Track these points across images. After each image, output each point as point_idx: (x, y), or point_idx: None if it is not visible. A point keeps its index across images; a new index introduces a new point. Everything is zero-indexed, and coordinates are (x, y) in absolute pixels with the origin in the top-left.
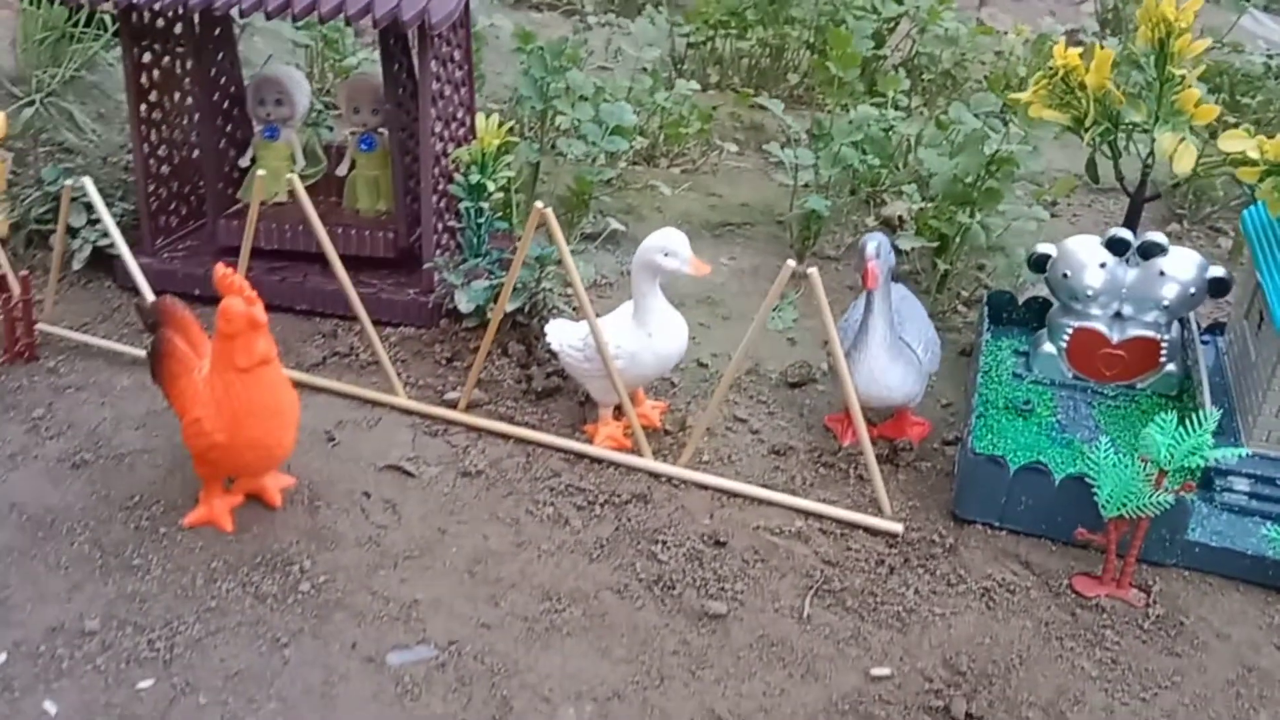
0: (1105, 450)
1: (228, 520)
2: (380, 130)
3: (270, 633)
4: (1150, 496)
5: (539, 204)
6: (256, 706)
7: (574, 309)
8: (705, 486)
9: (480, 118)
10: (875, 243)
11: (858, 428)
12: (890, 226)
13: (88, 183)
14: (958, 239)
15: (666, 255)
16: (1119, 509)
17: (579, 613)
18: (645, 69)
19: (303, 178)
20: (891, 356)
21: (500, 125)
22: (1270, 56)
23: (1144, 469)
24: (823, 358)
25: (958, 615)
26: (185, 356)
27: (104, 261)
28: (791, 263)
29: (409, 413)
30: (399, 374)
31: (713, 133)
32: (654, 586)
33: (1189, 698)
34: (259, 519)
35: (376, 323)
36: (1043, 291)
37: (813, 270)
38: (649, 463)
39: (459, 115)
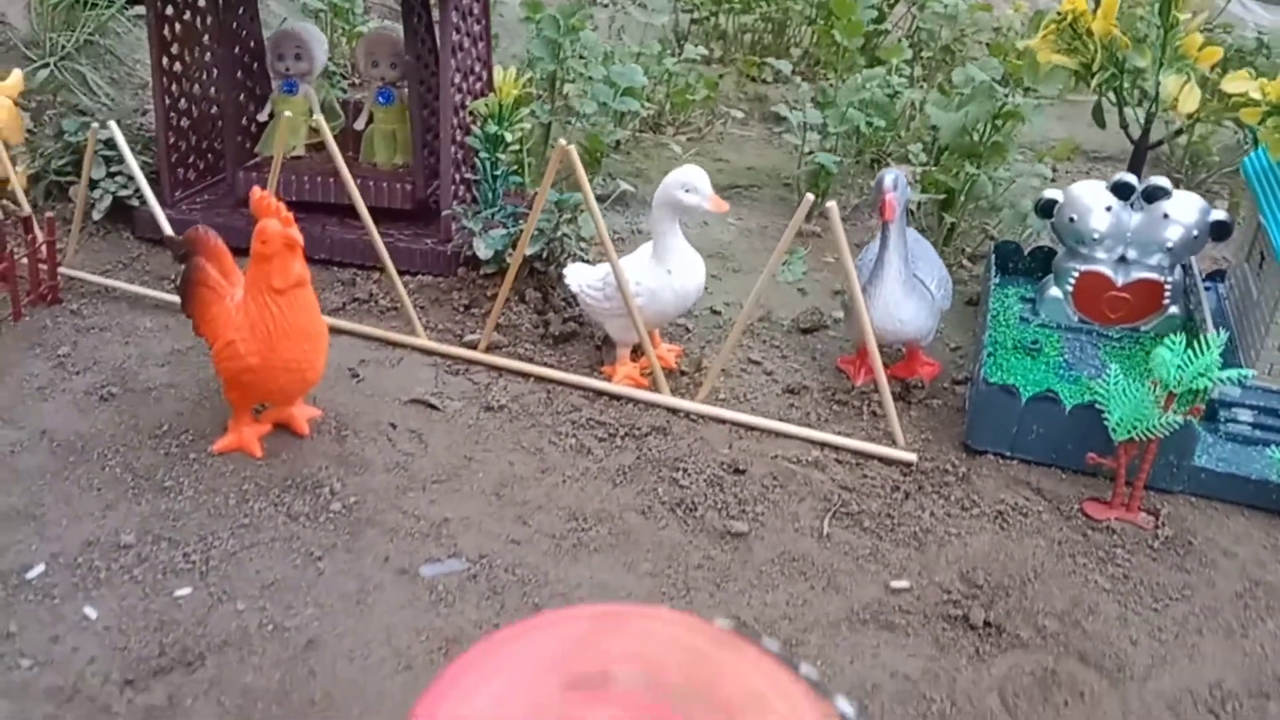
0: (1115, 376)
1: (257, 446)
2: (398, 84)
3: (304, 547)
4: (1159, 419)
5: (562, 141)
6: (294, 612)
7: (589, 259)
8: (723, 420)
9: (498, 69)
10: (893, 176)
11: (873, 358)
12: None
13: (114, 127)
14: (964, 193)
15: (687, 191)
16: (1129, 432)
17: (605, 531)
18: (654, 40)
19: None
20: (906, 291)
21: (517, 78)
22: (1262, 34)
23: (1153, 392)
24: (833, 306)
25: (972, 535)
26: (218, 284)
27: (123, 213)
28: (811, 196)
29: (430, 353)
30: (418, 320)
31: (718, 101)
32: (676, 508)
33: (1199, 608)
34: (287, 446)
35: (398, 271)
36: (1047, 242)
37: (831, 204)
38: (667, 399)
39: (476, 69)
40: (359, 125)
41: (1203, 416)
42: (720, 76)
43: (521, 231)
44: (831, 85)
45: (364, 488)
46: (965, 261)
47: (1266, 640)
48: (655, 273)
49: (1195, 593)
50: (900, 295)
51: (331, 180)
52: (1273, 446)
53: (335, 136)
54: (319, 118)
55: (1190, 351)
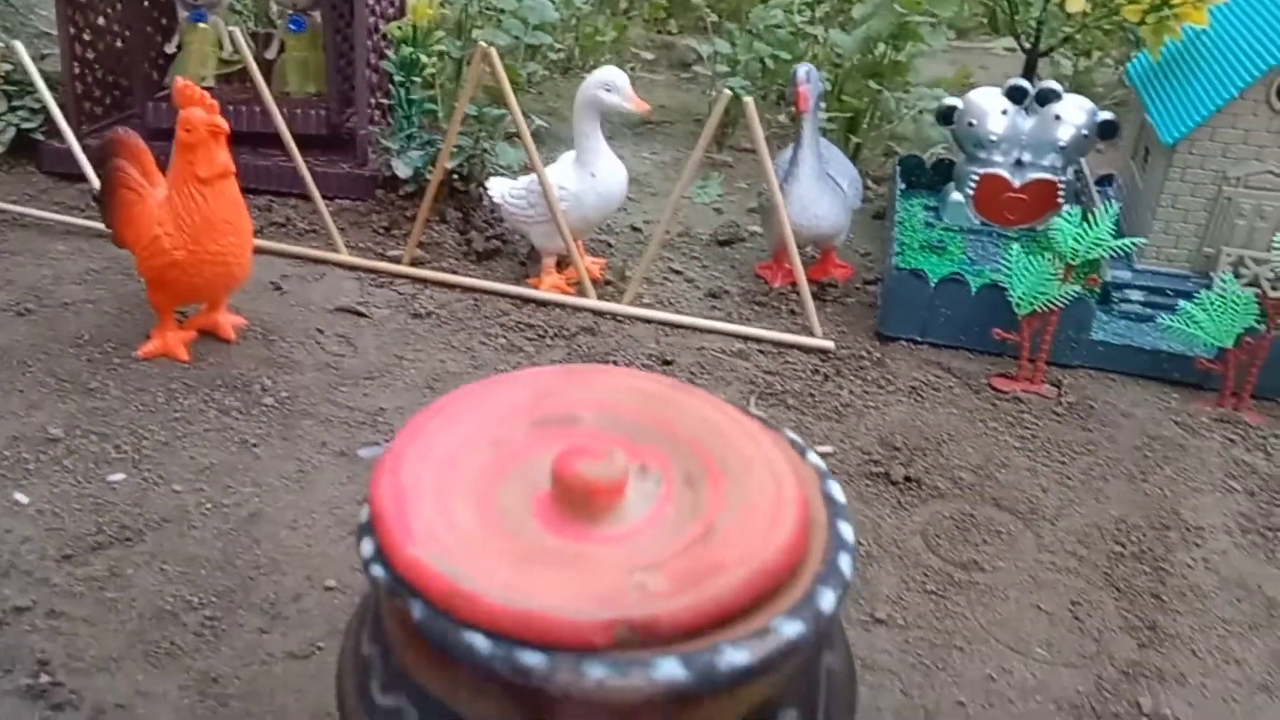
0: (1017, 253)
1: (183, 350)
2: (309, 12)
3: (238, 436)
4: (1059, 290)
5: (482, 43)
6: (233, 491)
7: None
8: (649, 320)
9: None
10: (805, 69)
11: (789, 250)
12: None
13: (18, 47)
14: (868, 114)
15: (608, 90)
16: (1031, 305)
17: None
18: None
19: (232, 62)
20: (820, 188)
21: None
22: None
23: (1053, 265)
24: (749, 221)
25: (889, 408)
26: (139, 184)
27: (27, 147)
28: (728, 90)
29: (353, 268)
30: (340, 237)
31: (627, 46)
32: None
33: (1102, 460)
34: (214, 351)
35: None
36: (948, 155)
37: (748, 99)
38: (594, 302)
39: None
40: (270, 55)
41: (1098, 299)
42: (629, 19)
43: (440, 151)
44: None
45: (296, 385)
46: (870, 183)
47: (1164, 483)
48: (579, 176)
49: (1098, 447)
50: (815, 192)
51: (244, 109)
52: (1162, 314)
53: (244, 70)
54: (240, 41)
55: (1085, 224)
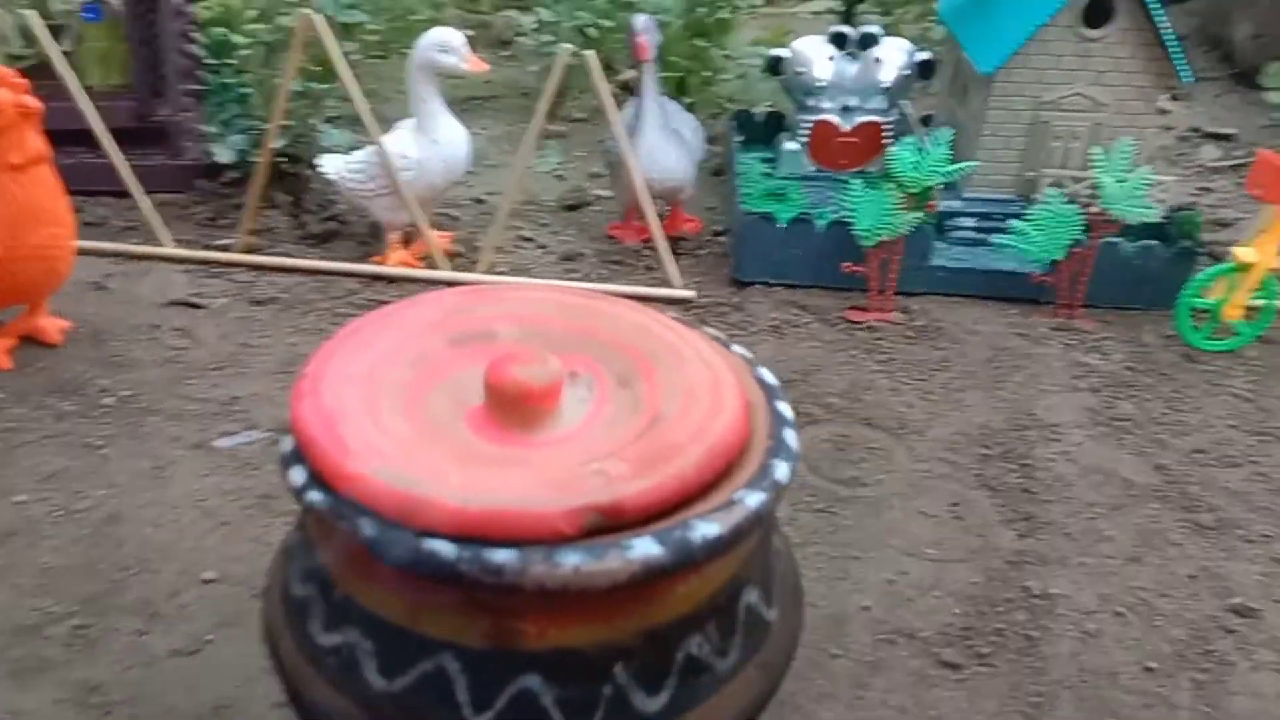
0: (858, 189)
1: (5, 358)
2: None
3: (81, 440)
4: (902, 219)
5: (305, 12)
6: (84, 496)
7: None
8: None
9: None
10: (643, 19)
11: (642, 199)
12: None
13: None
14: (696, 74)
15: (443, 52)
16: (876, 237)
17: None
18: None
19: (21, 59)
20: (666, 138)
21: None
22: None
23: (893, 197)
24: (593, 185)
25: (755, 347)
26: None
27: None
28: (569, 46)
29: (181, 261)
30: (164, 230)
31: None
32: None
33: (957, 374)
34: (41, 356)
35: (123, 193)
36: (778, 108)
37: (590, 52)
38: (448, 274)
39: None
40: (66, 47)
41: (935, 227)
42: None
43: (262, 133)
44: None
45: (137, 382)
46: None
47: (1016, 389)
48: (421, 143)
49: (951, 363)
50: (662, 142)
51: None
52: (994, 237)
53: (39, 64)
54: (39, 29)
55: (922, 153)
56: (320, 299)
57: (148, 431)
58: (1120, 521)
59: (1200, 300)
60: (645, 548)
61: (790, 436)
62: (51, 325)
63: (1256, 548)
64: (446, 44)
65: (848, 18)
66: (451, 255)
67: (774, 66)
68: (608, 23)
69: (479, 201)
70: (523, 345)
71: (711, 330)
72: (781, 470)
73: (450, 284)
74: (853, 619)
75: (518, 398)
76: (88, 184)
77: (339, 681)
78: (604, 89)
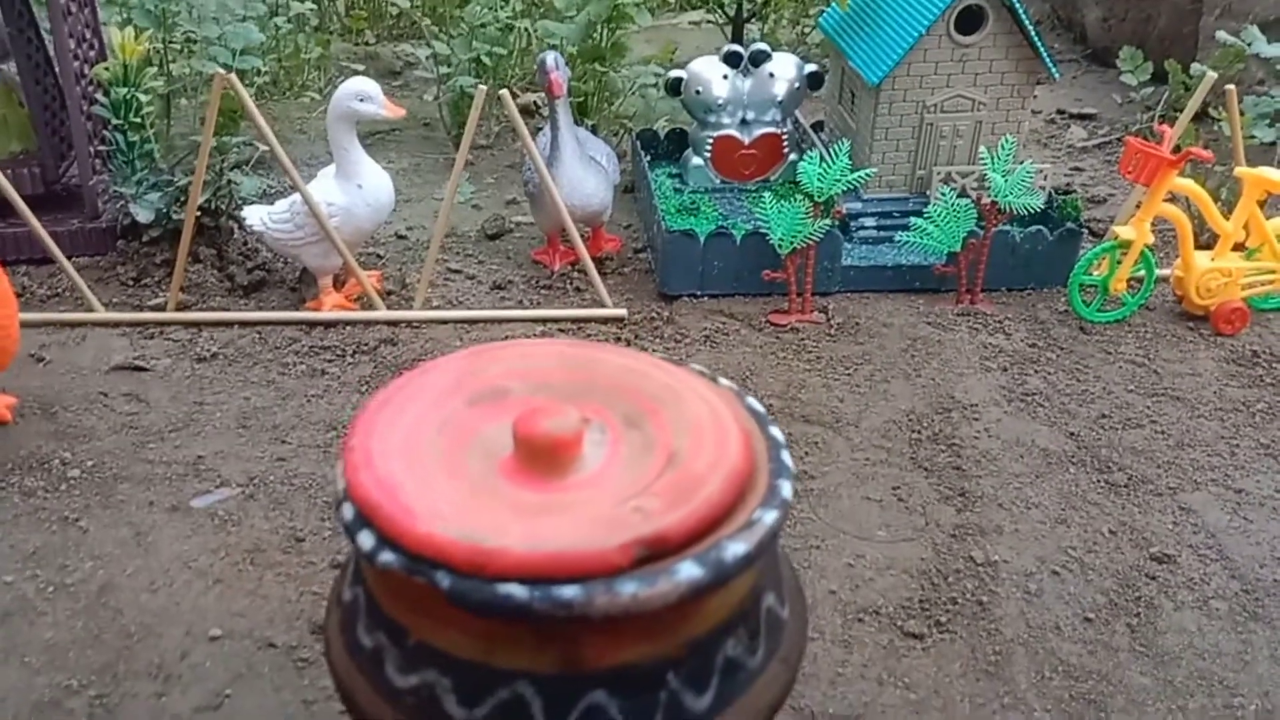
0: (770, 201)
1: None
2: None
3: (55, 515)
4: (813, 226)
5: (219, 70)
6: (71, 569)
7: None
8: (444, 321)
9: (114, 30)
10: (552, 57)
11: (568, 227)
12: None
13: None
14: (596, 95)
15: (362, 101)
16: (791, 244)
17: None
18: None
19: None
20: (584, 166)
21: (137, 35)
22: None
23: (803, 206)
24: (510, 213)
25: (691, 358)
26: None
27: None
28: (483, 88)
29: (115, 325)
30: (92, 294)
31: (332, 60)
32: None
33: (879, 366)
34: None
35: (43, 260)
36: (679, 125)
37: (504, 92)
38: (386, 313)
39: (87, 35)
40: None
41: (841, 229)
42: (330, 35)
43: (179, 188)
44: (443, 33)
45: (98, 451)
46: None
47: (934, 375)
48: (345, 189)
49: (872, 356)
50: (580, 170)
51: None
52: (896, 234)
53: None
54: None
55: (824, 164)
56: (263, 350)
57: (121, 499)
58: (1044, 488)
59: (1088, 277)
60: (689, 571)
61: (786, 457)
62: (0, 403)
63: (1165, 500)
64: (364, 93)
65: (737, 36)
66: (384, 294)
67: (675, 87)
68: (501, 50)
69: (400, 237)
70: (533, 400)
71: (697, 366)
72: (786, 489)
73: (389, 323)
74: (822, 603)
75: (547, 447)
76: (2, 254)
77: (421, 716)
78: (520, 125)
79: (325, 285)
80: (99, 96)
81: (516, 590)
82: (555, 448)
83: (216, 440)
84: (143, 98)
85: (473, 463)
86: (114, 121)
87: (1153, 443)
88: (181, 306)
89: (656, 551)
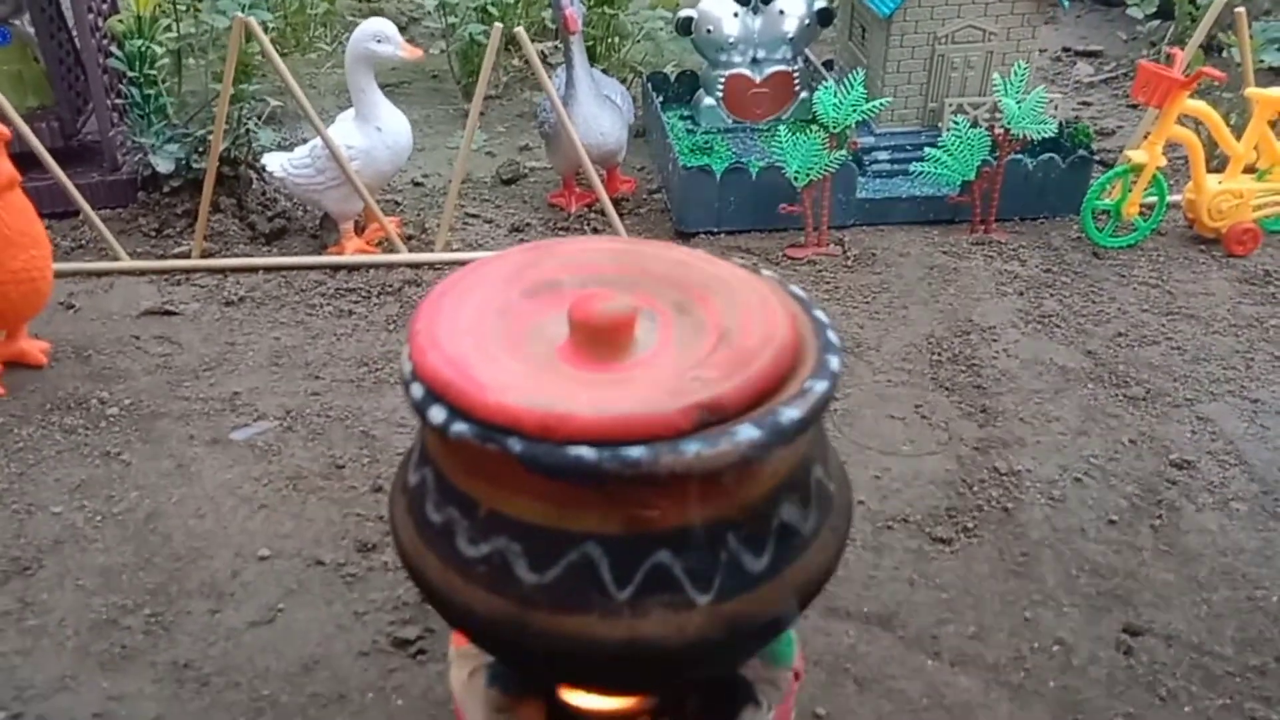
0: (785, 134)
1: None
2: (11, 21)
3: (97, 450)
4: (828, 158)
5: (238, 15)
6: (117, 499)
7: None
8: (466, 262)
9: None
10: None
11: (586, 166)
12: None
13: None
14: (607, 38)
15: (380, 41)
16: (807, 177)
17: (398, 366)
18: None
19: None
20: (599, 105)
21: None
22: None
23: (819, 137)
24: (524, 159)
25: None
26: None
27: None
28: (499, 25)
29: (142, 273)
30: (118, 244)
31: (339, 16)
32: None
33: (897, 293)
34: (29, 379)
35: (65, 214)
36: (688, 67)
37: (519, 29)
38: (408, 255)
39: None
40: None
41: (855, 162)
42: None
43: (198, 139)
44: None
45: (134, 390)
46: None
47: (951, 300)
48: (365, 132)
49: (890, 284)
50: (595, 108)
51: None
52: (912, 164)
53: None
54: None
55: (840, 94)
56: (289, 294)
57: (160, 434)
58: (1063, 403)
59: (1101, 202)
60: (748, 432)
61: (832, 335)
62: (34, 347)
63: (1183, 410)
64: (381, 33)
65: None
66: (404, 238)
67: (685, 27)
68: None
69: (417, 184)
70: (585, 290)
71: (739, 259)
72: (835, 362)
73: (412, 265)
74: (853, 513)
75: (603, 329)
76: None
77: (492, 584)
78: (537, 62)
79: (347, 230)
80: (113, 49)
81: (586, 452)
82: (611, 329)
83: (250, 377)
84: (158, 50)
85: (532, 346)
86: (129, 74)
87: (1169, 358)
88: (206, 254)
89: (715, 416)
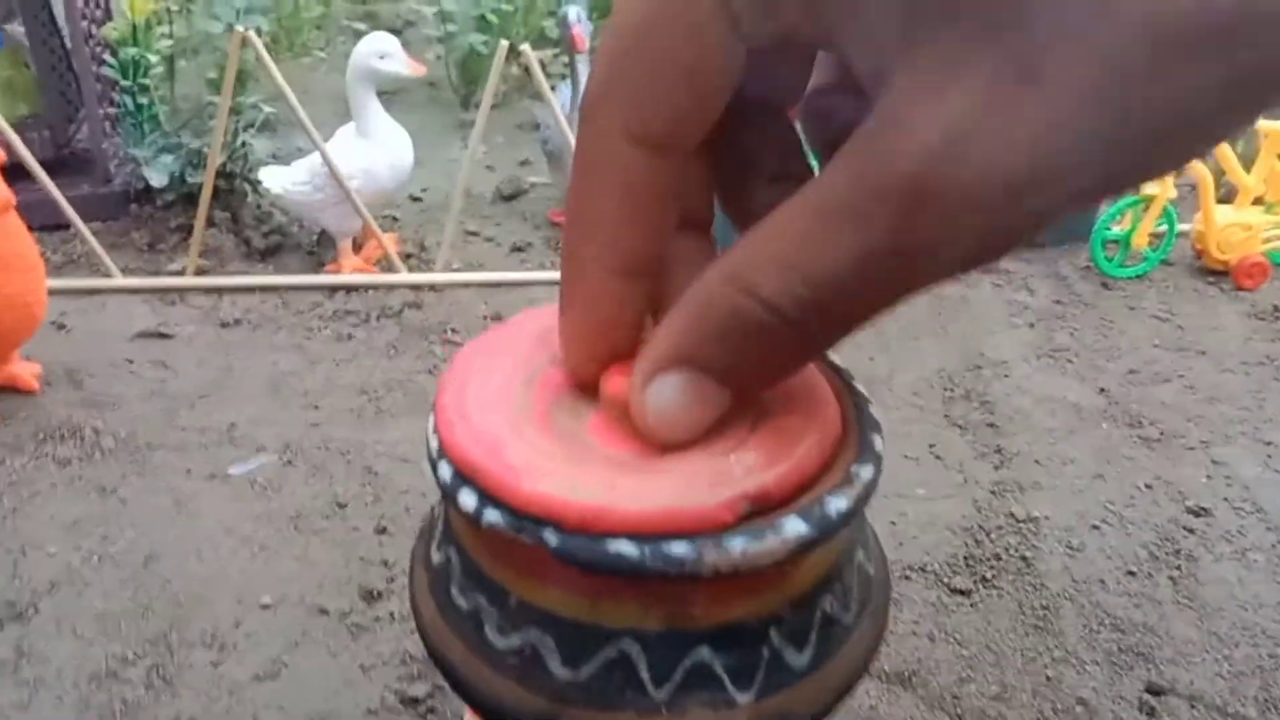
0: None
1: None
2: (2, 26)
3: (92, 484)
4: None
5: (238, 27)
6: (112, 541)
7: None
8: (468, 284)
9: None
10: (575, 9)
11: None
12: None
13: None
14: None
15: (383, 58)
16: None
17: (400, 395)
18: None
19: None
20: None
21: None
22: None
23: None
24: (524, 173)
25: None
26: None
27: None
28: (505, 41)
29: (134, 291)
30: (110, 260)
31: (334, 19)
32: None
33: (905, 324)
34: (20, 406)
35: (56, 226)
36: None
37: (524, 46)
38: (408, 276)
39: None
40: None
41: None
42: None
43: (193, 151)
44: None
45: (129, 419)
46: None
47: (964, 331)
48: (365, 150)
49: (899, 314)
50: None
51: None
52: None
53: None
54: None
55: None
56: (285, 315)
57: (156, 468)
58: (1078, 443)
59: (1111, 232)
60: (795, 526)
61: (874, 411)
62: (26, 371)
63: (1198, 453)
64: (384, 50)
65: None
66: (403, 256)
67: None
68: (507, 7)
69: (415, 199)
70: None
71: None
72: (879, 442)
73: (411, 286)
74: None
75: None
76: None
77: (522, 677)
78: (543, 83)
79: (344, 248)
80: (107, 57)
81: (627, 548)
82: None
83: (248, 406)
84: (152, 58)
85: (563, 421)
86: (122, 83)
87: (1181, 397)
88: (200, 272)
89: (760, 507)
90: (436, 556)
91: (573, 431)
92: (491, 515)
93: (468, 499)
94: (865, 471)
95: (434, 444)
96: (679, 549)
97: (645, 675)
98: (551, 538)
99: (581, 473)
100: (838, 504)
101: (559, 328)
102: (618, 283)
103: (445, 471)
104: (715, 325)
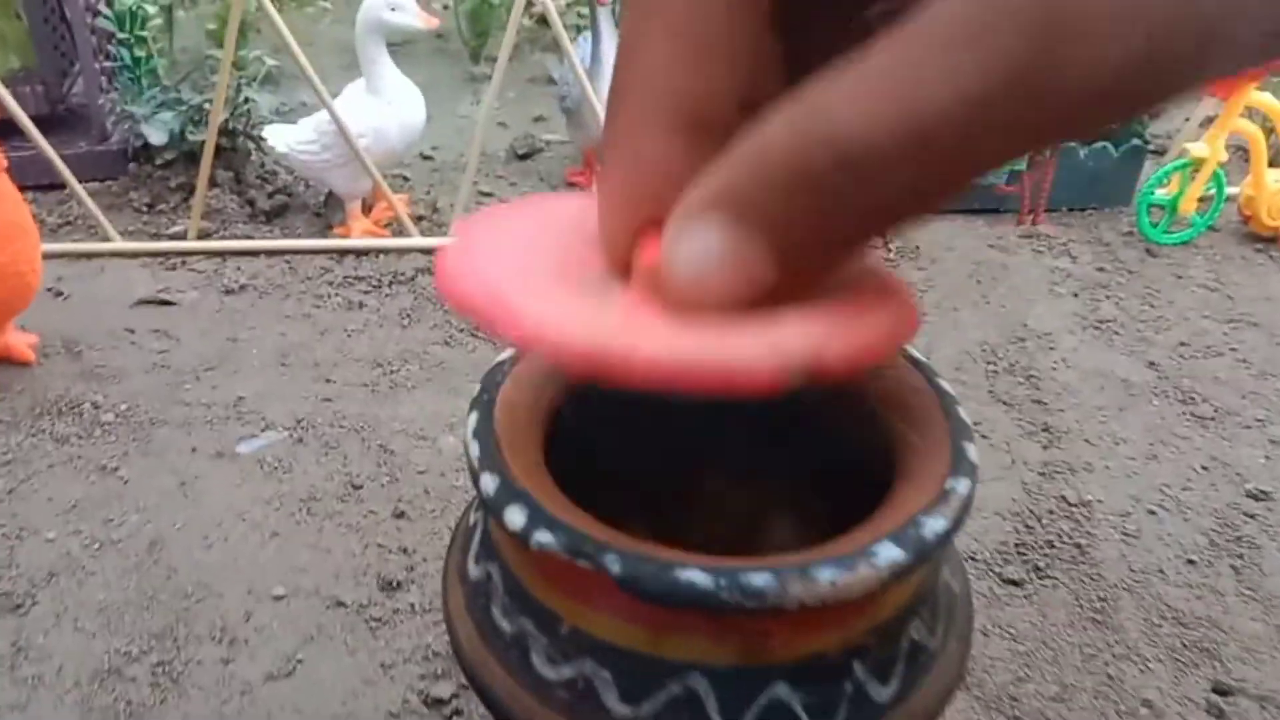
0: None
1: None
2: None
3: (92, 463)
4: None
5: None
6: (116, 524)
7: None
8: None
9: None
10: None
11: None
12: (546, 25)
13: None
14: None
15: (394, 10)
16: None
17: (416, 368)
18: None
19: None
20: None
21: None
22: None
23: None
24: (539, 130)
25: None
26: None
27: None
28: None
29: (134, 255)
30: (109, 224)
31: None
32: (478, 333)
33: (946, 293)
34: (16, 378)
35: (51, 186)
36: None
37: (548, 3)
38: (420, 240)
39: None
40: None
41: None
42: None
43: (193, 107)
44: None
45: (130, 393)
46: None
47: (1004, 300)
48: (375, 107)
49: (936, 282)
50: None
51: None
52: None
53: None
54: None
55: None
56: (293, 281)
57: (160, 446)
58: (1129, 421)
59: (1157, 197)
60: (889, 553)
61: (963, 413)
62: (22, 342)
63: (1254, 432)
64: (395, 1)
65: None
66: (414, 218)
67: None
68: None
69: (426, 158)
70: None
71: None
72: (973, 451)
73: (423, 250)
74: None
75: None
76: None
77: (574, 713)
78: (562, 34)
79: (353, 210)
80: (102, 8)
81: (699, 577)
82: None
83: (255, 379)
84: (150, 9)
85: (588, 288)
86: (119, 35)
87: (1235, 372)
88: (202, 234)
89: (813, 378)
90: (475, 571)
91: (599, 296)
92: (543, 537)
93: (515, 517)
94: (961, 486)
95: (474, 451)
96: (759, 580)
97: (715, 714)
98: (614, 564)
99: (601, 316)
100: (934, 525)
101: (597, 196)
102: (666, 139)
103: (489, 484)
104: (776, 169)
